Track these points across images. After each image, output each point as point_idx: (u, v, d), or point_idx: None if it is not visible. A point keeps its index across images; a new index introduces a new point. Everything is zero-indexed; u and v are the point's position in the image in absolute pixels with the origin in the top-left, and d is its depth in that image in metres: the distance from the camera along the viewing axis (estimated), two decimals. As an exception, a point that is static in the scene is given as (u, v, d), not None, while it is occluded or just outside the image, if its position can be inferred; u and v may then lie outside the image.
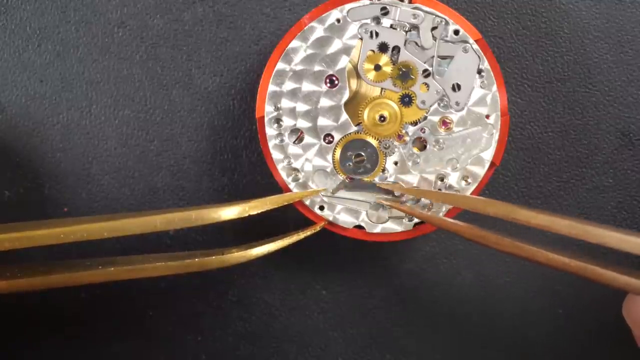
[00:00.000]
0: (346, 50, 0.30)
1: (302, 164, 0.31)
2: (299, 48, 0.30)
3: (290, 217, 0.33)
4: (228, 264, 0.28)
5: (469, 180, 0.30)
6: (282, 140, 0.31)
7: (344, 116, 0.30)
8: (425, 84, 0.30)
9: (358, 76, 0.30)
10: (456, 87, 0.30)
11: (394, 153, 0.31)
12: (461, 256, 0.35)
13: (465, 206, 0.28)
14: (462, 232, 0.27)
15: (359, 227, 0.31)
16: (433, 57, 0.30)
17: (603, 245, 0.24)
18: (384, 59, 0.30)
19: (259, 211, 0.28)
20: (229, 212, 0.28)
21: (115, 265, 0.28)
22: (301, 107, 0.30)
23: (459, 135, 0.30)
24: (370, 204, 0.31)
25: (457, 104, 0.30)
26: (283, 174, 0.31)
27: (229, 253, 0.28)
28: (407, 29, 0.30)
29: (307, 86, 0.30)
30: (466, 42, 0.30)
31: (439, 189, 0.30)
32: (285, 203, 0.29)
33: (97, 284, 0.28)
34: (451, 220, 0.27)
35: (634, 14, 0.34)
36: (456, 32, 0.30)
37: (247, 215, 0.28)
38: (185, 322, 0.36)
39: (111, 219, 0.27)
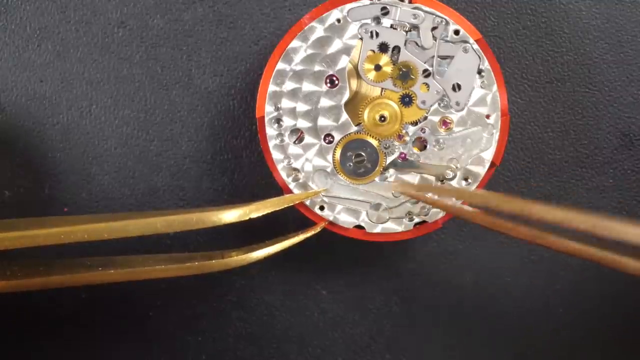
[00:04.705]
0: (346, 50, 0.30)
1: (302, 164, 0.31)
2: (299, 48, 0.30)
3: (291, 217, 0.33)
4: (229, 267, 0.28)
5: (469, 180, 0.30)
6: (282, 140, 0.31)
7: (344, 116, 0.30)
8: (426, 84, 0.30)
9: (358, 76, 0.30)
10: (456, 87, 0.30)
11: (394, 153, 0.31)
12: (461, 256, 0.35)
13: (477, 201, 0.27)
14: (473, 218, 0.26)
15: (359, 227, 0.31)
16: (433, 57, 0.30)
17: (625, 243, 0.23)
18: (384, 59, 0.30)
19: (260, 214, 0.28)
20: (230, 216, 0.28)
21: (115, 267, 0.28)
22: (301, 107, 0.30)
23: (459, 135, 0.30)
24: (370, 203, 0.31)
25: (458, 104, 0.30)
26: (283, 174, 0.31)
27: (229, 256, 0.28)
28: (407, 29, 0.30)
29: (307, 86, 0.30)
30: (466, 42, 0.30)
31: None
32: (286, 205, 0.29)
33: (97, 284, 0.28)
34: (469, 209, 0.26)
35: (634, 14, 0.34)
36: (456, 32, 0.30)
37: (247, 218, 0.28)
38: (185, 322, 0.36)
39: (112, 220, 0.27)
